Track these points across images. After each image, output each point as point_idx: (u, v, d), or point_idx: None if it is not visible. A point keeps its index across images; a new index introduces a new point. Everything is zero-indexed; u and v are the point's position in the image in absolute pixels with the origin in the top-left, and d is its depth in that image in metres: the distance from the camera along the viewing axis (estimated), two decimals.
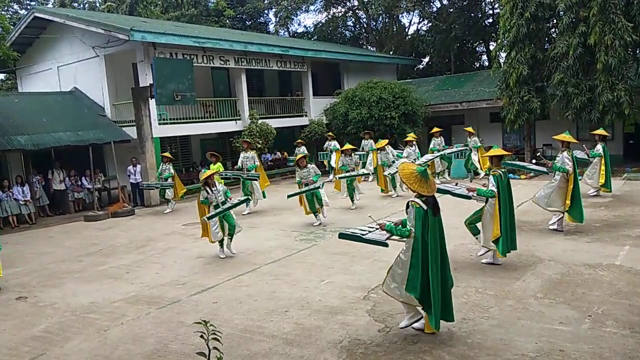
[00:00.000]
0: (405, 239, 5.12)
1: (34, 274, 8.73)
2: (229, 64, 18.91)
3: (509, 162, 8.67)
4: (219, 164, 13.84)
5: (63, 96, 18.10)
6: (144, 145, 15.73)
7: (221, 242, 8.88)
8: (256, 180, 13.06)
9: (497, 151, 7.43)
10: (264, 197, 13.42)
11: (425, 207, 5.01)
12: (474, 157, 15.92)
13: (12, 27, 17.19)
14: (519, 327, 5.31)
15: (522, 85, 16.82)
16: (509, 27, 16.67)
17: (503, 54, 18.21)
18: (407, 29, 34.28)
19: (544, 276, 6.82)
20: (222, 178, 12.06)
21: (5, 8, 29.59)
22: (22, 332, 6.10)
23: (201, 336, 2.34)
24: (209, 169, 12.48)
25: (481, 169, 15.52)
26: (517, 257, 7.54)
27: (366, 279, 7.10)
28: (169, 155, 14.85)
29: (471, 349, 4.88)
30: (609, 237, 8.51)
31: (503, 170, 7.32)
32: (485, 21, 29.33)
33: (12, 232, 12.70)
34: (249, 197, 12.61)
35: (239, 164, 13.53)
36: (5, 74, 25.26)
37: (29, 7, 28.14)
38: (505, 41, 17.00)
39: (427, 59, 33.94)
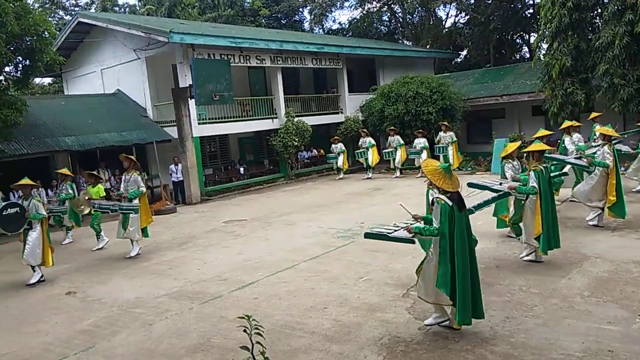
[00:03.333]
0: (433, 237, 5.09)
1: (82, 270, 9.10)
2: (265, 63, 19.10)
3: (549, 155, 8.41)
4: (99, 186, 11.36)
5: (107, 98, 18.74)
6: (184, 145, 16.10)
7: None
8: (133, 213, 9.59)
9: (538, 146, 7.23)
10: (146, 235, 9.99)
11: (450, 203, 4.97)
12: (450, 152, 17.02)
13: (58, 32, 17.87)
14: (565, 326, 5.16)
15: (566, 77, 16.26)
16: (550, 17, 16.14)
17: (545, 45, 17.66)
18: (444, 22, 33.66)
19: (591, 274, 6.60)
20: (96, 209, 10.22)
21: (52, 14, 30.87)
22: (72, 326, 6.38)
23: (244, 330, 2.39)
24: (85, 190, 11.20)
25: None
26: (561, 254, 7.32)
27: (405, 276, 7.05)
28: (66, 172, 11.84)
29: (515, 348, 4.78)
30: None
31: (544, 165, 7.13)
32: (526, 12, 28.46)
33: (59, 230, 13.22)
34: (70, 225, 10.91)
35: (121, 188, 10.00)
36: (52, 78, 26.30)
37: (73, 12, 29.23)
38: (547, 32, 16.48)
39: (465, 52, 33.25)
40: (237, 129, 18.82)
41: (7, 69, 12.40)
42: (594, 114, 12.65)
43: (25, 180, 8.73)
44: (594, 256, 7.30)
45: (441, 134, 17.62)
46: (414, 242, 5.43)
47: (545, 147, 7.36)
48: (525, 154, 8.07)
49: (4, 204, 8.87)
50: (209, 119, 17.71)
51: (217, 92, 15.12)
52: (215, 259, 8.99)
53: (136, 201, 9.59)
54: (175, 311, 6.54)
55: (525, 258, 7.26)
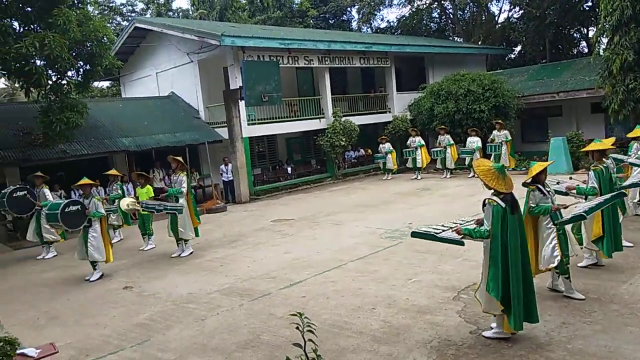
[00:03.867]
0: (484, 240, 4.95)
1: (138, 266, 9.47)
2: (313, 64, 19.21)
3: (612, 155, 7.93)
4: (148, 187, 11.41)
5: (161, 100, 19.43)
6: (234, 145, 16.45)
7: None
8: (177, 213, 9.61)
9: (597, 145, 6.89)
10: (197, 235, 10.20)
11: (503, 204, 4.82)
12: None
13: (116, 37, 18.69)
14: (627, 333, 4.90)
15: (627, 72, 15.38)
16: (611, 9, 15.31)
17: (604, 39, 16.77)
18: (496, 18, 32.73)
19: None
20: (145, 209, 10.25)
21: (110, 20, 32.32)
22: (129, 319, 6.65)
23: (297, 327, 2.41)
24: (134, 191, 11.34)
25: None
26: (623, 258, 6.95)
27: (456, 279, 6.91)
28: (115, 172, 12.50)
29: (572, 354, 4.59)
30: None
31: (605, 165, 6.78)
32: (584, 5, 27.20)
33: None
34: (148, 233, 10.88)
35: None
36: (110, 81, 27.55)
37: (130, 18, 30.49)
38: (607, 25, 15.64)
39: (519, 48, 32.18)
40: (285, 129, 19.04)
41: (69, 73, 13.04)
42: None
43: (85, 180, 9.20)
44: None
45: (495, 132, 17.11)
46: (463, 244, 5.29)
47: (606, 145, 7.00)
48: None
49: (66, 201, 9.39)
50: (258, 119, 18.01)
51: (266, 93, 15.35)
52: (264, 257, 9.14)
53: (182, 201, 9.78)
54: (226, 307, 6.70)
55: (581, 264, 6.89)
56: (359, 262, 8.26)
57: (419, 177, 18.19)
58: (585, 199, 6.74)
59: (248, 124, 17.40)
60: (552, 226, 5.75)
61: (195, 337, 5.81)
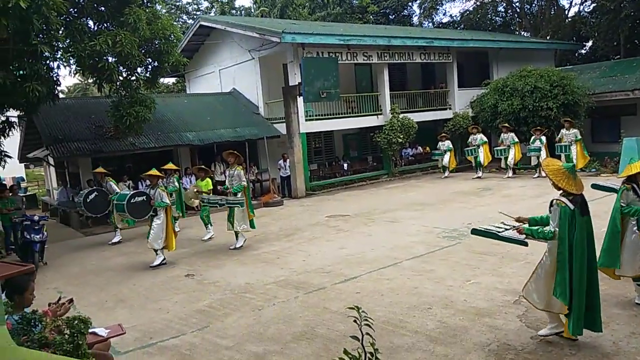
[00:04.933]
0: (547, 241, 4.76)
1: (199, 255, 9.84)
2: (372, 60, 19.09)
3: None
4: (207, 180, 11.41)
5: (223, 96, 20.01)
6: (292, 141, 16.67)
7: None
8: (239, 206, 9.91)
9: None
10: (253, 227, 10.32)
11: (572, 206, 4.60)
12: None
13: (182, 35, 19.42)
14: None
15: None
16: None
17: None
18: (567, 11, 31.13)
19: None
20: (205, 204, 10.61)
21: (176, 19, 33.59)
22: (190, 305, 6.93)
23: (354, 321, 2.43)
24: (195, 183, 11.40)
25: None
26: None
27: (517, 282, 6.65)
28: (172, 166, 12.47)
29: None
30: None
31: None
32: None
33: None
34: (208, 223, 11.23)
35: (226, 183, 10.44)
36: (176, 78, 28.65)
37: (195, 16, 31.55)
38: None
39: (590, 43, 30.44)
40: (342, 126, 19.07)
41: (138, 69, 13.67)
42: None
43: (153, 171, 9.65)
44: None
45: (563, 131, 16.26)
46: (526, 245, 5.11)
47: None
48: None
49: (132, 192, 9.89)
50: (316, 115, 18.14)
51: (324, 90, 15.44)
52: (318, 252, 9.22)
53: (240, 195, 10.00)
54: (282, 298, 6.82)
55: None
56: (414, 260, 8.16)
57: (481, 176, 17.67)
58: None
59: (306, 120, 17.58)
60: (637, 231, 5.44)
61: (252, 326, 5.96)
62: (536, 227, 4.88)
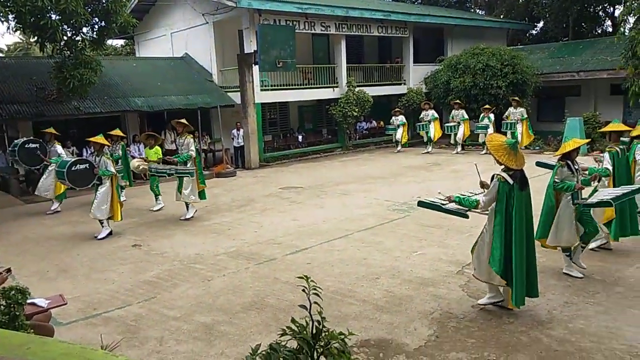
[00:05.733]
0: (488, 212, 5.03)
1: (147, 225, 9.60)
2: (330, 30, 18.88)
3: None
4: (157, 148, 10.92)
5: (175, 61, 19.28)
6: (246, 111, 16.38)
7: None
8: (189, 176, 9.68)
9: (615, 126, 6.78)
10: (203, 197, 10.07)
11: (511, 181, 4.81)
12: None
13: None
14: (629, 315, 4.91)
15: None
16: None
17: (631, 19, 16.27)
18: None
19: None
20: (153, 173, 10.24)
21: None
22: (137, 276, 6.79)
23: (303, 290, 2.45)
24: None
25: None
26: (631, 242, 6.91)
27: (461, 253, 6.92)
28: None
29: (572, 333, 4.62)
30: None
31: (621, 147, 6.67)
32: None
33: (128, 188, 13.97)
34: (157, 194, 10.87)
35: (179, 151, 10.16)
36: (124, 40, 27.34)
37: None
38: (635, 4, 15.15)
39: (541, 24, 31.30)
40: (297, 97, 18.88)
41: (84, 29, 12.92)
42: None
43: (99, 138, 9.19)
44: None
45: (511, 109, 16.79)
46: (467, 217, 5.32)
47: (624, 127, 6.87)
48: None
49: (73, 159, 9.43)
50: (271, 85, 17.86)
51: (280, 59, 15.16)
52: (271, 223, 9.21)
53: (190, 164, 9.77)
54: (232, 269, 6.80)
55: (593, 245, 6.85)
56: (365, 232, 8.31)
57: (431, 151, 18.07)
58: (599, 180, 6.64)
59: (261, 90, 17.28)
60: (573, 205, 5.74)
61: (201, 297, 5.92)
62: (463, 196, 5.08)
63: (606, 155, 6.55)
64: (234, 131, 17.00)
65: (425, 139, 18.47)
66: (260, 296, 5.82)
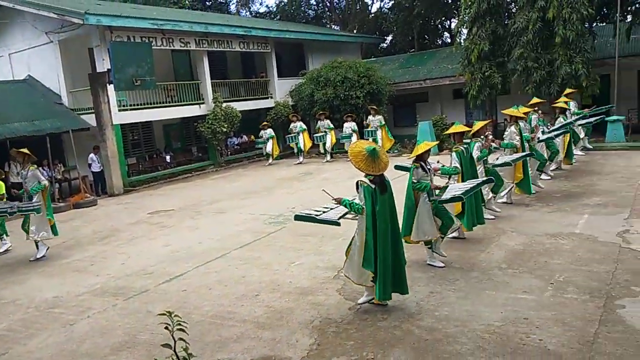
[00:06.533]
0: (358, 217, 5.25)
1: None
2: (190, 46, 18.44)
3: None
4: (0, 183, 9.61)
5: (16, 85, 17.28)
6: (104, 133, 15.26)
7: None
8: (35, 213, 8.64)
9: (457, 128, 7.52)
10: (55, 233, 9.01)
11: (372, 185, 5.11)
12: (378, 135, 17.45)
13: None
14: (485, 297, 5.44)
15: (484, 61, 17.05)
16: (470, 3, 16.80)
17: (465, 31, 18.37)
18: (370, 7, 34.12)
19: (507, 247, 7.01)
20: None
21: None
22: None
23: (166, 327, 2.29)
24: None
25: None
26: (481, 230, 7.70)
27: (335, 258, 7.12)
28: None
29: (439, 321, 4.99)
30: (569, 207, 8.80)
31: (465, 146, 7.44)
32: None
33: None
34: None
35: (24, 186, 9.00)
36: None
37: None
38: (467, 17, 17.14)
39: (390, 37, 33.95)
40: (161, 116, 18.09)
41: None
42: (568, 90, 13.55)
43: None
44: (510, 230, 7.77)
45: (370, 117, 17.91)
46: (339, 225, 5.57)
47: (465, 128, 7.67)
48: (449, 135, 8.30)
49: None
50: (131, 105, 16.89)
51: (138, 77, 14.42)
52: (140, 252, 8.64)
53: (36, 198, 8.76)
54: (98, 309, 6.22)
55: (450, 235, 7.50)
56: (242, 249, 8.18)
57: (302, 161, 18.49)
58: (449, 178, 7.33)
59: (119, 110, 16.25)
60: (429, 202, 6.22)
61: (63, 344, 5.31)
62: (351, 201, 5.28)
63: (453, 154, 7.25)
64: (92, 155, 15.72)
65: (295, 150, 18.88)
66: (131, 334, 5.39)
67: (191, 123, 19.83)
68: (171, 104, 18.38)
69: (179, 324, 2.32)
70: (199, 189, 15.23)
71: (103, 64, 15.39)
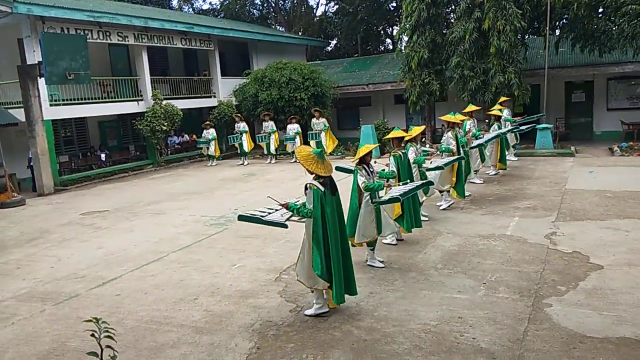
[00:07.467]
0: (305, 220, 5.21)
1: None
2: (128, 41, 17.77)
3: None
4: None
5: None
6: (34, 129, 14.40)
7: None
8: None
9: (396, 133, 7.70)
10: None
11: (322, 188, 5.13)
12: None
13: None
14: (422, 297, 5.60)
15: (423, 68, 17.59)
16: (411, 11, 17.26)
17: (405, 38, 18.89)
18: (315, 10, 34.36)
19: (443, 248, 7.26)
20: None
21: None
22: None
23: (92, 335, 2.18)
24: None
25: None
26: (419, 231, 7.92)
27: (278, 260, 7.11)
28: None
29: (378, 321, 5.08)
30: (501, 210, 9.24)
31: (403, 151, 7.64)
32: (390, 5, 30.15)
33: None
34: None
35: None
36: None
37: None
38: (408, 25, 17.60)
39: (335, 41, 34.32)
40: (96, 112, 17.33)
41: None
42: (503, 98, 14.18)
43: None
44: (446, 231, 8.05)
45: (314, 120, 17.99)
46: (286, 227, 5.47)
47: (404, 133, 7.87)
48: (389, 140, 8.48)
49: None
50: (64, 100, 16.04)
51: (71, 71, 13.74)
52: (71, 255, 8.21)
53: None
54: (23, 315, 5.85)
55: (388, 240, 7.65)
56: (181, 252, 7.96)
57: (246, 163, 18.28)
58: (387, 181, 7.48)
59: (50, 105, 15.38)
60: (371, 204, 6.32)
61: None
62: (299, 206, 5.25)
63: (392, 159, 7.44)
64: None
65: (239, 151, 18.64)
66: (60, 341, 5.11)
67: (129, 120, 19.12)
68: (107, 99, 17.63)
69: (107, 331, 2.20)
70: (136, 189, 14.69)
71: (34, 56, 14.54)
